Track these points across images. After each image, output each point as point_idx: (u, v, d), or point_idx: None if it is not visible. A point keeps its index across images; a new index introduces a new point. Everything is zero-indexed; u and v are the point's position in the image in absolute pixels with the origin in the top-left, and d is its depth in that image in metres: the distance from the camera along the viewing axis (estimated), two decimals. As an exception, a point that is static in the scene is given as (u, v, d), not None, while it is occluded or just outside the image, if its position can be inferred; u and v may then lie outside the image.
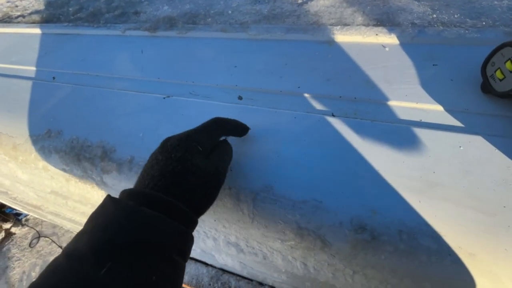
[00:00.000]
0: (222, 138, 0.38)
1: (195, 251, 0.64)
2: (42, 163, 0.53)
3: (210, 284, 0.62)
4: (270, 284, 0.58)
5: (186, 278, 0.61)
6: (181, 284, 0.28)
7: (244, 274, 0.61)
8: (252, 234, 0.41)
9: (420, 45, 0.46)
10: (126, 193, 0.29)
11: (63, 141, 0.51)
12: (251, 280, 0.59)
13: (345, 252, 0.34)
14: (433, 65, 0.44)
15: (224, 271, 0.63)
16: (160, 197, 0.27)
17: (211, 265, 0.63)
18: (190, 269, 0.62)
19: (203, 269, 0.64)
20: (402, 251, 0.31)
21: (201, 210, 0.31)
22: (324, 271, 0.40)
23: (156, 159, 0.31)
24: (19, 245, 3.76)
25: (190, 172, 0.29)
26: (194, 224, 0.30)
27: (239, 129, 0.39)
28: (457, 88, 0.40)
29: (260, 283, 0.60)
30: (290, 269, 0.44)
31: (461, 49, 0.44)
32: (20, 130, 0.55)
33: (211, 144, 0.34)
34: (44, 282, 0.23)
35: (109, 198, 0.28)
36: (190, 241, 0.29)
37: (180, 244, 0.27)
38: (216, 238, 0.47)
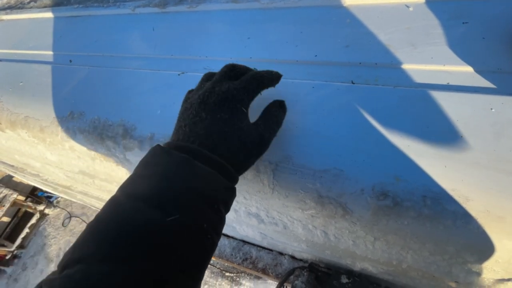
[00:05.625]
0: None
1: (217, 224, 0.67)
2: (68, 143, 0.56)
3: (232, 255, 0.65)
4: (290, 253, 0.60)
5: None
6: (221, 234, 0.30)
7: (264, 244, 0.63)
8: (273, 204, 0.42)
9: (449, 1, 0.42)
10: (174, 146, 0.30)
11: (86, 122, 0.53)
12: (271, 250, 0.62)
13: (367, 219, 0.35)
14: (463, 23, 0.40)
15: (245, 242, 0.65)
16: (211, 156, 0.29)
17: (232, 237, 0.66)
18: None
19: (225, 241, 0.67)
20: (426, 216, 0.31)
21: (239, 172, 0.33)
22: (344, 238, 0.41)
23: (199, 116, 0.31)
24: (53, 225, 4.08)
25: (236, 136, 0.30)
26: (236, 181, 0.32)
27: (275, 80, 0.36)
28: (490, 46, 0.37)
29: (280, 253, 0.62)
30: (310, 238, 0.45)
31: (495, 3, 0.40)
32: (45, 113, 0.57)
33: (251, 101, 0.34)
34: (111, 218, 0.25)
35: (160, 148, 0.29)
36: (233, 195, 0.32)
37: (227, 198, 0.30)
38: (237, 210, 0.48)
